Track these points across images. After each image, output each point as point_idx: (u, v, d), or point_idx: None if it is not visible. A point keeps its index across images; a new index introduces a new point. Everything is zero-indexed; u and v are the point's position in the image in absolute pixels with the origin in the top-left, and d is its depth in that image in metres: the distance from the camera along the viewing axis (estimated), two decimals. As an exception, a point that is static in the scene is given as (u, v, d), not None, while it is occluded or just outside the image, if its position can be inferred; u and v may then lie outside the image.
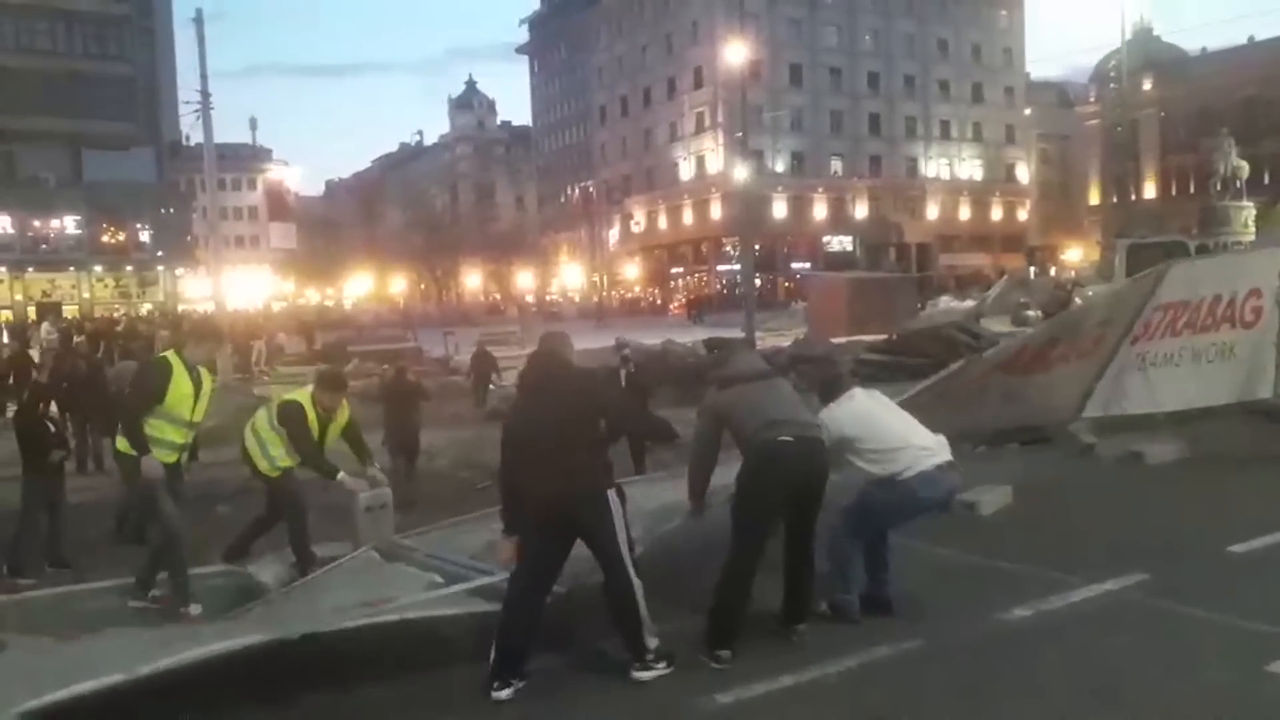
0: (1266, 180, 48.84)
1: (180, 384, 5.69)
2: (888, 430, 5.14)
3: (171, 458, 5.76)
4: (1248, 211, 29.88)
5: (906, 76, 73.69)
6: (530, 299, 72.29)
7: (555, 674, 4.65)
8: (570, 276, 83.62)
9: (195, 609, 5.67)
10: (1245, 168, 33.66)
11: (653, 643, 4.52)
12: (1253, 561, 5.91)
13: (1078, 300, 18.96)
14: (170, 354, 5.96)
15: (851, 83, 71.73)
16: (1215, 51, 70.13)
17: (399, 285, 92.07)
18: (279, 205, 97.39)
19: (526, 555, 4.58)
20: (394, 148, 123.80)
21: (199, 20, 19.96)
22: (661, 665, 4.51)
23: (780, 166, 69.47)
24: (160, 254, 48.60)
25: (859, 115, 72.19)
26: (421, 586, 5.24)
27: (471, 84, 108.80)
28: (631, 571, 4.51)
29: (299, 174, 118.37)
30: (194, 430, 5.93)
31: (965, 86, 76.06)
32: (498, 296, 77.61)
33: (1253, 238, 25.58)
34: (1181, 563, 5.89)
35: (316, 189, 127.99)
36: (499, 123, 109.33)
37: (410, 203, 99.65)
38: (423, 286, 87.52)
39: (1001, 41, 78.25)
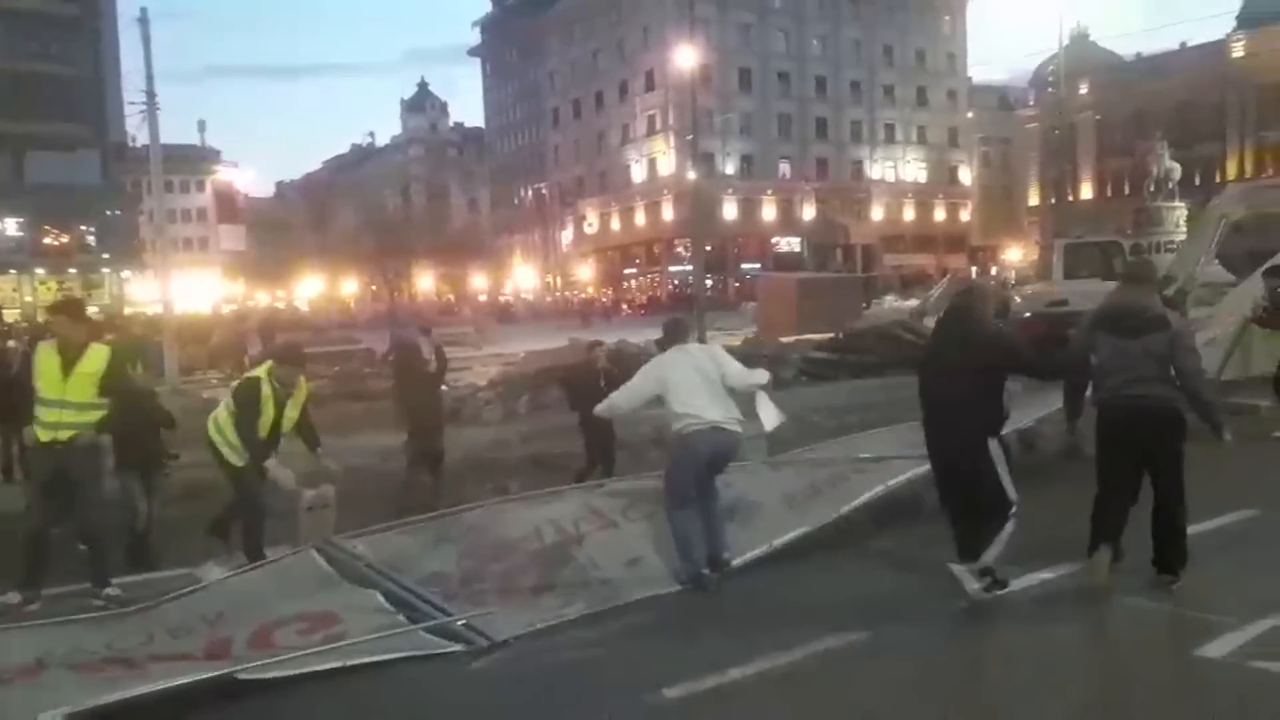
0: (1198, 182, 50.27)
1: (45, 365, 5.87)
2: (681, 390, 5.72)
3: (45, 436, 5.90)
4: (1180, 212, 30.65)
5: (853, 81, 74.62)
6: (484, 299, 71.86)
7: (495, 666, 4.71)
8: (524, 278, 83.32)
9: (114, 590, 5.90)
10: (1177, 170, 34.59)
11: (994, 563, 5.19)
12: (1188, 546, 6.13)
13: (1016, 299, 19.39)
14: (42, 343, 6.27)
15: (800, 87, 72.48)
16: (1149, 57, 71.97)
17: (350, 287, 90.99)
18: (228, 207, 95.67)
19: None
20: (345, 149, 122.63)
21: (144, 20, 19.59)
22: (995, 588, 5.17)
23: (730, 169, 69.96)
24: (106, 256, 47.54)
25: (807, 119, 72.96)
26: (367, 609, 5.17)
27: (424, 86, 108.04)
28: (1011, 496, 5.22)
29: (249, 176, 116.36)
30: (67, 409, 5.89)
31: (909, 91, 77.21)
32: (451, 297, 77.05)
33: (1184, 238, 26.33)
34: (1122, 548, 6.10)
35: (267, 190, 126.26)
36: (451, 125, 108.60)
37: (362, 204, 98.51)
38: (374, 288, 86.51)
39: (945, 47, 79.56)
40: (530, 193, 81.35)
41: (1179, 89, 64.48)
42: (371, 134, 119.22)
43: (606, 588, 5.57)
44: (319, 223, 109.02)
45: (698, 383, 5.73)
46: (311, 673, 4.48)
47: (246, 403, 6.29)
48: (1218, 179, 56.79)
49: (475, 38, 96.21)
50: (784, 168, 72.56)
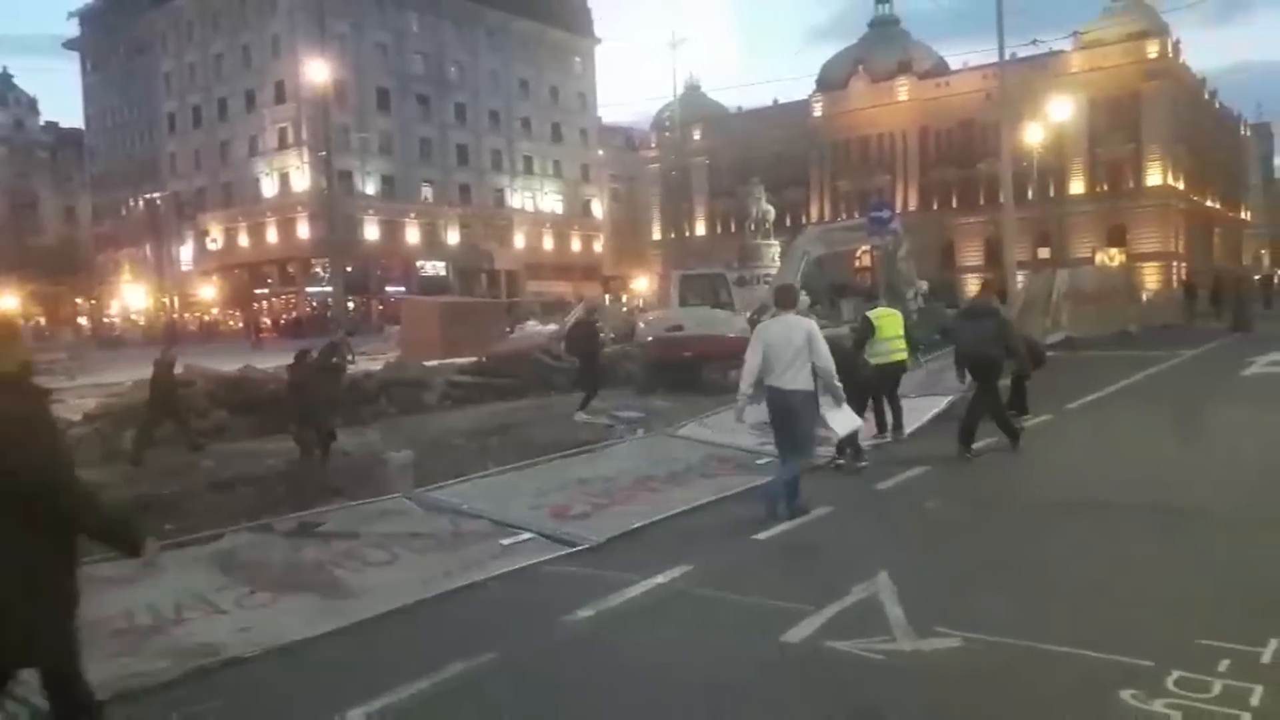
0: (788, 223, 57.43)
1: None
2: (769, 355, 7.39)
3: None
4: (774, 249, 34.62)
5: (491, 112, 76.13)
6: (84, 322, 63.39)
7: None
8: (133, 298, 74.77)
9: None
10: (772, 212, 39.52)
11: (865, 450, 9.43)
12: (773, 547, 6.91)
13: (640, 324, 20.96)
14: None
15: (440, 113, 72.58)
16: (749, 110, 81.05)
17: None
18: None
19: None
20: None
21: None
22: (864, 464, 9.18)
23: (370, 189, 68.20)
24: None
25: (448, 145, 73.21)
26: None
27: (7, 77, 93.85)
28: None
29: None
30: None
31: (545, 126, 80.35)
32: (41, 320, 67.15)
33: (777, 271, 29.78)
34: (718, 552, 6.72)
35: None
36: (43, 123, 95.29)
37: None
38: (-65, 309, 73.08)
39: (576, 86, 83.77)
40: (142, 203, 73.37)
41: (773, 140, 73.23)
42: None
43: (206, 649, 5.04)
44: None
45: (782, 347, 7.30)
46: None
47: None
48: (803, 220, 65.21)
49: (74, 29, 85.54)
50: (427, 191, 72.12)
